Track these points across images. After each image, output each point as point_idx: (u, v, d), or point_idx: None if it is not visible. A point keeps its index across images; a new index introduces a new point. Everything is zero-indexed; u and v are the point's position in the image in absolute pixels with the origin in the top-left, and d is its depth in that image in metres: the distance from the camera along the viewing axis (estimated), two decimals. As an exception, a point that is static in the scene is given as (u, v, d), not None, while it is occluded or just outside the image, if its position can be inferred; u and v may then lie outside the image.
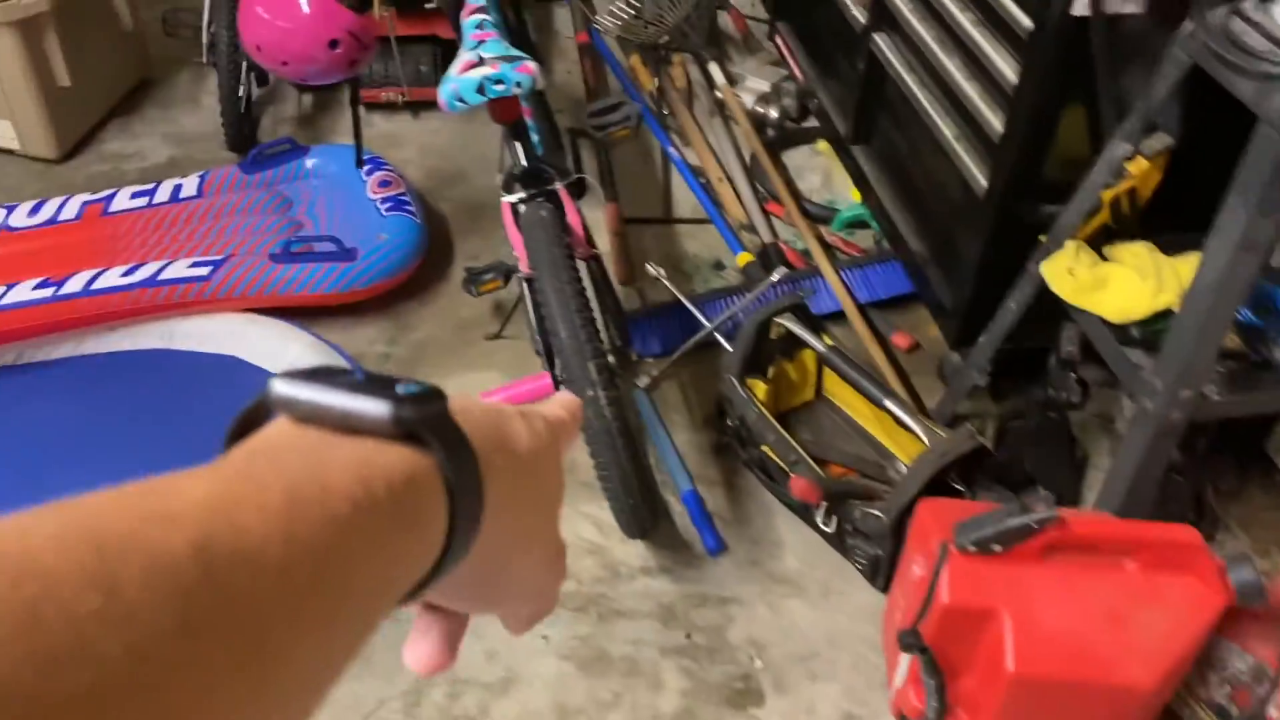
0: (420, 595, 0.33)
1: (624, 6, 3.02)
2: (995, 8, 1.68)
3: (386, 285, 2.14)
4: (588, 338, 1.48)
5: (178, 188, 2.30)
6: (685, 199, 2.53)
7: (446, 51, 2.74)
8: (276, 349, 1.99)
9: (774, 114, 2.70)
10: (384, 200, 2.25)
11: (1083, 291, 1.60)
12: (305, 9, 1.81)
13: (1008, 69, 1.67)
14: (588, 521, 1.81)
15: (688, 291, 2.18)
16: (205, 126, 2.70)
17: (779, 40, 2.76)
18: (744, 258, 2.26)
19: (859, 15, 2.21)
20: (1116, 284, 1.59)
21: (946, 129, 1.89)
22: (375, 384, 0.32)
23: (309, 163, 2.40)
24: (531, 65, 1.55)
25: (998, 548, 1.35)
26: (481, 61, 1.54)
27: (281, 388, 0.32)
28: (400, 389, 0.32)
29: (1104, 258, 1.66)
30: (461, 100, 1.55)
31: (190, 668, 0.23)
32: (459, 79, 1.54)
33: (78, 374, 2.01)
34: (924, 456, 1.64)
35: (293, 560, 0.26)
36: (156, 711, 0.22)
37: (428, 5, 2.55)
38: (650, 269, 2.14)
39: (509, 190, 1.73)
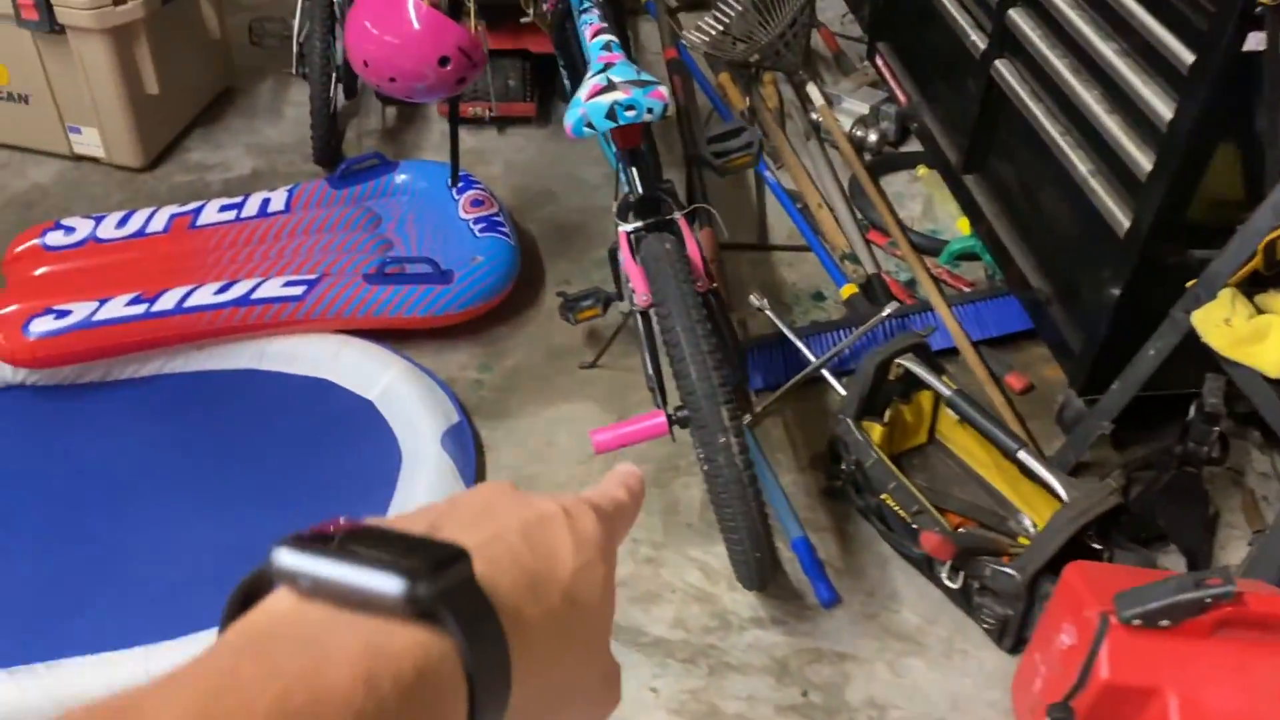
0: None
1: (712, 22, 2.94)
2: (1148, 39, 1.58)
3: (481, 309, 2.07)
4: (721, 381, 1.40)
5: (265, 202, 2.24)
6: (780, 225, 2.45)
7: (536, 67, 2.68)
8: (370, 374, 1.93)
9: (873, 138, 2.61)
10: (477, 220, 2.19)
11: (1239, 343, 1.50)
12: (416, 24, 1.74)
13: (1160, 104, 1.57)
14: (694, 566, 1.73)
15: (787, 323, 2.09)
16: (288, 138, 2.66)
17: (879, 61, 2.67)
18: (848, 290, 2.17)
19: (978, 40, 2.12)
20: (1278, 336, 1.49)
21: (1080, 164, 1.79)
22: (390, 551, 0.28)
23: (398, 178, 2.34)
24: (664, 90, 1.47)
25: (1165, 622, 1.25)
26: (612, 85, 1.47)
27: (286, 558, 0.28)
28: (416, 560, 0.28)
29: (1256, 306, 1.56)
30: (591, 126, 1.47)
31: None
32: (589, 104, 1.47)
33: (166, 392, 1.96)
34: (1063, 513, 1.54)
35: None
36: None
37: (522, 20, 2.48)
38: (754, 300, 2.06)
39: (624, 218, 1.66)
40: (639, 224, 1.62)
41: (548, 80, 2.75)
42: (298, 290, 1.95)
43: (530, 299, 2.24)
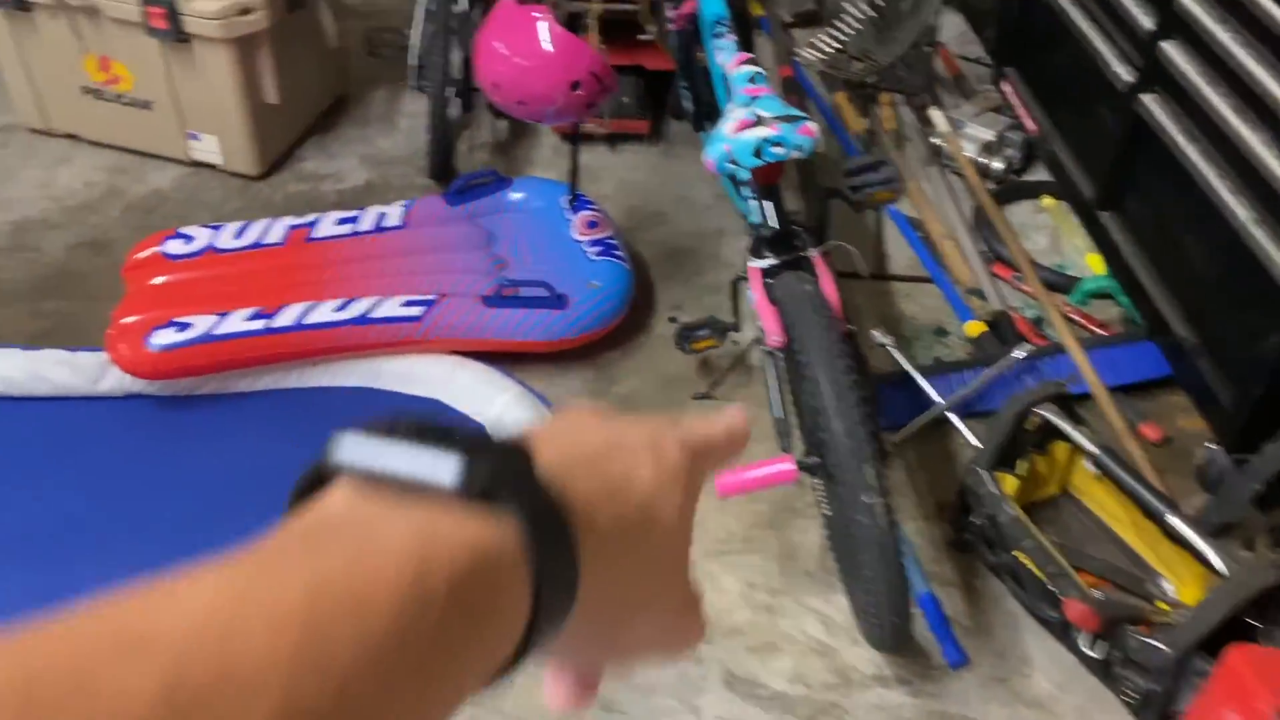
0: (505, 678, 0.29)
1: (828, 40, 2.87)
2: (1330, 82, 1.48)
3: (595, 335, 2.03)
4: (867, 437, 1.33)
5: (381, 216, 2.23)
6: (900, 254, 2.37)
7: (650, 83, 2.64)
8: (483, 397, 1.90)
9: (997, 165, 2.52)
10: (592, 243, 2.15)
11: None
12: (549, 47, 1.71)
13: (1343, 153, 1.47)
14: (814, 617, 1.67)
15: (909, 359, 2.02)
16: (401, 150, 2.65)
17: (1006, 87, 2.57)
18: (975, 327, 2.08)
19: (1123, 72, 2.02)
20: None
21: (1240, 209, 1.69)
22: (450, 440, 0.28)
23: (512, 196, 2.31)
24: (813, 127, 1.41)
25: (1350, 725, 1.16)
26: (759, 121, 1.41)
27: (343, 449, 0.28)
28: (477, 446, 0.28)
29: None
30: (735, 163, 1.42)
31: None
32: (733, 139, 1.42)
33: (280, 408, 1.95)
34: (1223, 589, 1.45)
35: (301, 691, 0.21)
36: None
37: (640, 37, 2.45)
38: (876, 336, 1.99)
39: (758, 255, 1.60)
40: (773, 261, 1.56)
41: (661, 97, 2.71)
42: (416, 311, 1.93)
43: (642, 323, 2.19)
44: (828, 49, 2.84)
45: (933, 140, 2.59)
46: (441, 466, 0.27)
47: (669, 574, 0.35)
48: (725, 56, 1.69)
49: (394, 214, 2.23)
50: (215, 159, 2.49)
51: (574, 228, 2.20)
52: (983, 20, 2.88)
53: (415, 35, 2.44)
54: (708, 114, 2.27)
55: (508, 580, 0.27)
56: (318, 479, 0.29)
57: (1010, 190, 2.51)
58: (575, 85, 1.72)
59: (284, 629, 0.22)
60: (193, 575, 0.23)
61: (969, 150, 2.54)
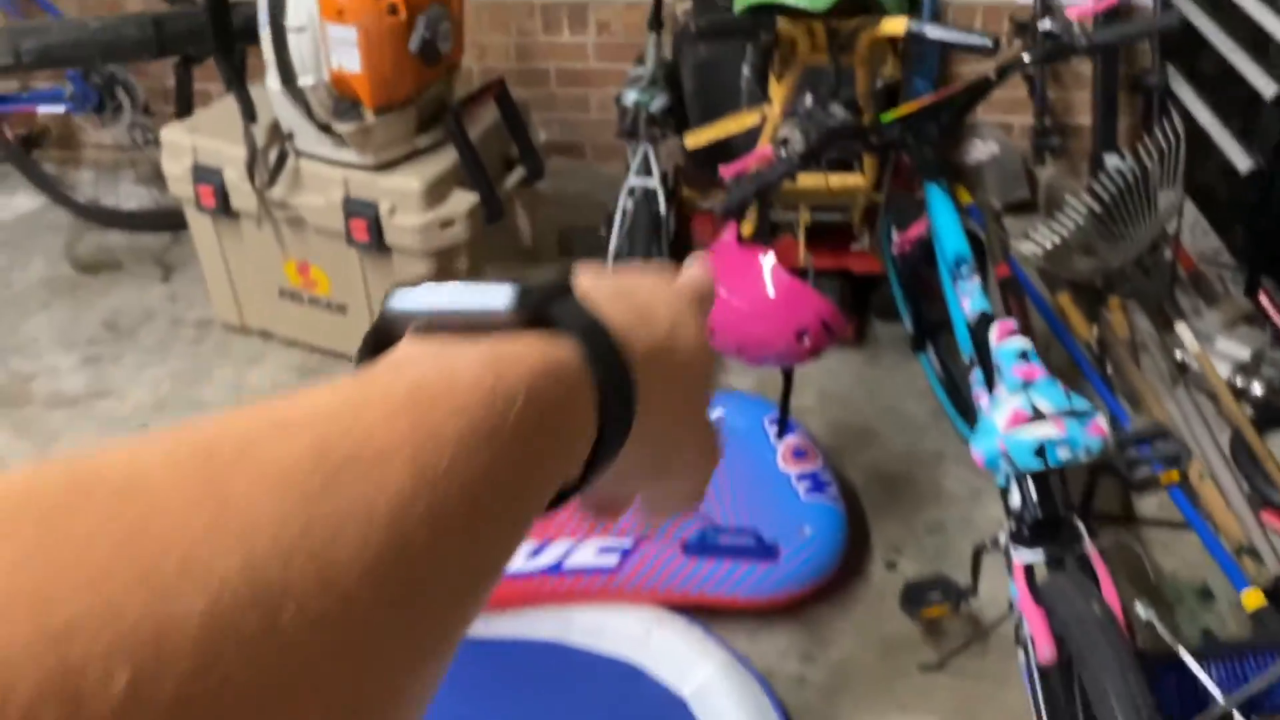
0: (575, 495, 0.31)
1: (1047, 232, 2.66)
2: None
3: (807, 592, 1.82)
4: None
5: (573, 436, 2.10)
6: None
7: (856, 289, 2.48)
8: (684, 664, 1.71)
9: (1256, 388, 2.23)
10: (801, 477, 1.96)
11: None
12: (773, 294, 1.56)
13: None
14: None
15: (1172, 630, 1.72)
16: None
17: (1264, 299, 2.29)
18: (1252, 598, 1.78)
19: None
20: None
21: None
22: (497, 281, 0.30)
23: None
24: (1103, 424, 1.20)
25: None
26: (1039, 415, 1.21)
27: (399, 301, 0.30)
28: (524, 281, 0.30)
29: None
30: (1012, 462, 1.21)
31: (318, 582, 0.20)
32: (1008, 436, 1.22)
33: (468, 657, 1.80)
34: None
35: (423, 460, 0.24)
36: (284, 640, 0.19)
37: (852, 246, 2.30)
38: (1140, 612, 1.71)
39: (1020, 543, 1.38)
40: (1042, 556, 1.34)
41: (866, 299, 2.54)
42: (612, 560, 1.77)
43: (854, 567, 1.97)
44: (1046, 243, 2.63)
45: (1179, 357, 2.32)
46: (495, 296, 0.29)
47: (698, 397, 0.37)
48: (973, 306, 1.51)
49: (587, 436, 2.10)
50: (405, 362, 2.44)
51: (779, 455, 2.02)
52: (1225, 216, 2.62)
53: (614, 239, 2.36)
54: (930, 333, 2.09)
55: (574, 393, 0.29)
56: (379, 344, 0.30)
57: (1273, 417, 2.21)
58: (801, 335, 1.56)
59: (397, 416, 0.24)
60: (305, 390, 0.25)
61: (1221, 369, 2.26)
